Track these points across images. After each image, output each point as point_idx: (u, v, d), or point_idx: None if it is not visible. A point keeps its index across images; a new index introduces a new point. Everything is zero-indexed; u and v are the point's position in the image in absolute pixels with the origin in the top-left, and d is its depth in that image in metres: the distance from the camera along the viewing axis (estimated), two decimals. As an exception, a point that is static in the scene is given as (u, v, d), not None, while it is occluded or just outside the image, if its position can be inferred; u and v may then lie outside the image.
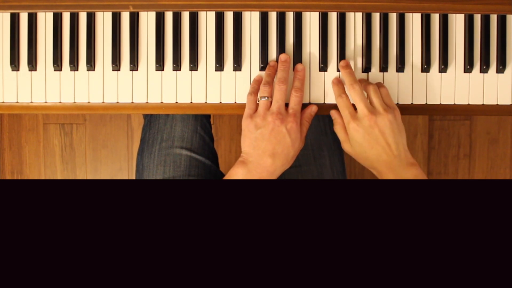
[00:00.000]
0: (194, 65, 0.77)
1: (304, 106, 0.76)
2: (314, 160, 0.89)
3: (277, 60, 0.77)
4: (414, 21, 0.78)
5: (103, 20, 0.77)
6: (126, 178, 1.47)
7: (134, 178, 1.34)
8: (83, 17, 0.77)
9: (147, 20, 0.77)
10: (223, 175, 0.89)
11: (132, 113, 1.08)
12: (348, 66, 0.76)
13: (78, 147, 1.46)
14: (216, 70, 0.77)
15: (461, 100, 0.78)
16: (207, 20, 0.77)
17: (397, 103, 0.77)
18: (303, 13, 0.77)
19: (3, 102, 0.78)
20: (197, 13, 0.77)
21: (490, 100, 0.78)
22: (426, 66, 0.77)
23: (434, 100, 0.78)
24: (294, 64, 0.77)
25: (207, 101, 0.78)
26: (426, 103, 0.78)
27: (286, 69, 0.75)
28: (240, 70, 0.77)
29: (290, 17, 0.77)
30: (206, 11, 0.77)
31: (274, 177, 0.73)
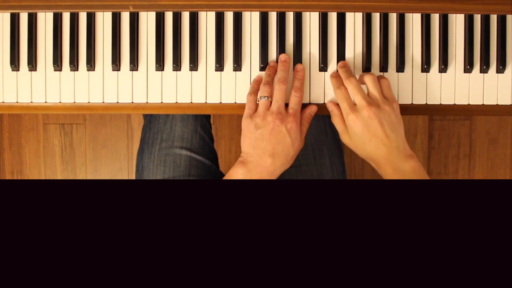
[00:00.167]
0: (194, 65, 0.77)
1: (304, 106, 0.76)
2: (314, 160, 0.89)
3: (277, 60, 0.77)
4: (414, 21, 0.78)
5: (103, 20, 0.77)
6: (126, 178, 1.47)
7: (134, 178, 1.34)
8: (83, 17, 0.77)
9: (147, 20, 0.77)
10: (223, 175, 0.89)
11: (132, 113, 1.08)
12: (345, 66, 0.76)
13: (78, 147, 1.46)
14: (216, 70, 0.77)
15: (461, 100, 0.78)
16: (207, 20, 0.77)
17: (398, 105, 0.77)
18: (303, 13, 0.77)
19: (3, 102, 0.78)
20: (197, 13, 0.77)
21: (490, 100, 0.78)
22: (426, 66, 0.77)
23: (434, 100, 0.78)
24: (294, 64, 0.77)
25: (207, 101, 0.78)
26: (426, 103, 0.78)
27: (286, 69, 0.75)
28: (240, 70, 0.77)
29: (290, 17, 0.77)
30: (206, 11, 0.77)
31: (274, 177, 0.73)
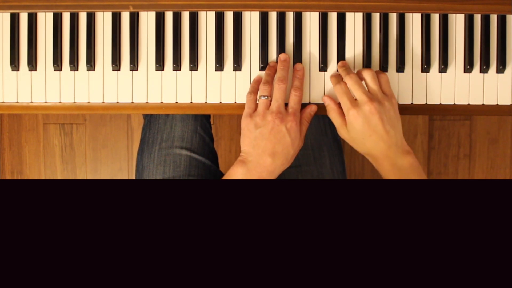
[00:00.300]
0: (194, 65, 0.77)
1: (304, 106, 0.76)
2: (314, 160, 0.89)
3: (276, 60, 0.77)
4: (414, 21, 0.78)
5: (103, 20, 0.77)
6: (126, 178, 1.47)
7: (134, 178, 1.34)
8: (83, 17, 0.77)
9: (147, 20, 0.77)
10: (223, 175, 0.89)
11: (132, 113, 1.08)
12: (345, 66, 0.76)
13: (78, 147, 1.46)
14: (216, 70, 0.77)
15: (461, 100, 0.78)
16: (207, 20, 0.77)
17: (397, 103, 0.77)
18: (303, 13, 0.77)
19: (3, 102, 0.78)
20: (197, 13, 0.77)
21: (490, 100, 0.78)
22: (426, 66, 0.77)
23: (434, 100, 0.78)
24: (294, 64, 0.77)
25: (207, 101, 0.78)
26: (426, 103, 0.78)
27: (285, 69, 0.75)
28: (240, 70, 0.77)
29: (290, 17, 0.77)
30: (206, 11, 0.77)
31: (273, 176, 0.73)
